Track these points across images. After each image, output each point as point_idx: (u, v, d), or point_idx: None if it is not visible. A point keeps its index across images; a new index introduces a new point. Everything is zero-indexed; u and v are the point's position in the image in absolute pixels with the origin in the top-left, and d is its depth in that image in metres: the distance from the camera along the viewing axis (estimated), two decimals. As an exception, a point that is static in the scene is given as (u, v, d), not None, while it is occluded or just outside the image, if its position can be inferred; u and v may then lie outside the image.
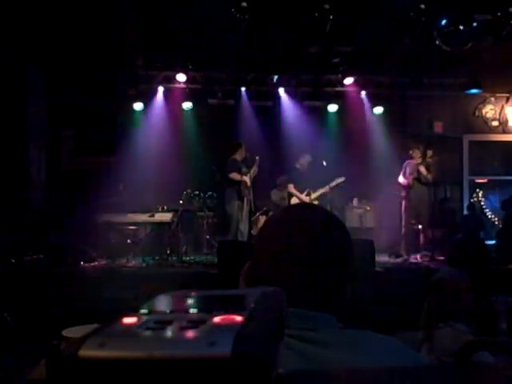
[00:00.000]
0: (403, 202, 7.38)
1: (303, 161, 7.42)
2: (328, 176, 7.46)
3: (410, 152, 7.41)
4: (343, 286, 0.95)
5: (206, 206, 8.15)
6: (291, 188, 7.41)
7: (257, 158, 7.13)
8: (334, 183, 7.39)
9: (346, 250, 0.96)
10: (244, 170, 7.10)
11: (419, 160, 7.27)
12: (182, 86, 8.75)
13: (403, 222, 7.49)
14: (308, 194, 7.33)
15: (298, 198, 7.30)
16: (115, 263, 6.53)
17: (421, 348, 2.42)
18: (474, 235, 7.62)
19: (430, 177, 7.22)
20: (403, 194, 7.38)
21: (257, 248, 0.97)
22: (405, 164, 7.44)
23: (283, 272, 0.91)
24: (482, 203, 9.59)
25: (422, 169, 7.18)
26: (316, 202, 7.19)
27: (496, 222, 9.32)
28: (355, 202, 8.96)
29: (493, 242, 7.65)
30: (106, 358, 0.34)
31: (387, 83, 9.10)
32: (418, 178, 7.24)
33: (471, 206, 8.83)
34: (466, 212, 8.92)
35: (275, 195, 8.24)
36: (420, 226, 7.46)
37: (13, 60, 6.50)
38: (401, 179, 7.36)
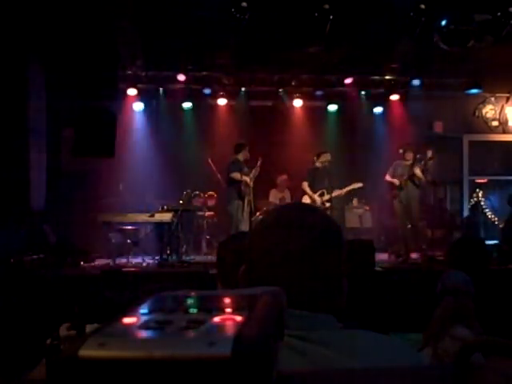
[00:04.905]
0: (394, 202, 7.35)
1: (323, 159, 7.37)
2: (346, 178, 7.39)
3: (401, 151, 7.37)
4: (341, 286, 0.95)
5: (205, 206, 8.16)
6: (305, 186, 7.38)
7: (259, 159, 7.10)
8: (350, 187, 7.35)
9: (341, 250, 0.97)
10: (246, 170, 7.09)
11: (411, 161, 7.20)
12: (182, 86, 8.75)
13: (398, 222, 7.49)
14: (321, 195, 7.29)
15: (310, 197, 7.29)
16: (115, 263, 6.53)
17: (423, 350, 2.42)
18: (475, 235, 7.61)
19: (426, 179, 7.15)
20: (393, 193, 7.35)
21: (253, 251, 0.96)
22: (394, 164, 7.39)
23: (282, 274, 0.91)
24: (482, 203, 9.59)
25: (418, 171, 7.11)
26: (328, 204, 7.15)
27: (496, 222, 9.31)
28: (355, 202, 8.96)
29: (494, 242, 7.64)
30: (106, 357, 0.34)
31: (387, 83, 9.10)
32: (412, 180, 7.18)
33: (475, 206, 8.79)
34: (468, 213, 8.88)
35: (274, 195, 8.24)
36: (409, 226, 7.40)
37: (13, 60, 6.50)
38: (388, 178, 7.31)
